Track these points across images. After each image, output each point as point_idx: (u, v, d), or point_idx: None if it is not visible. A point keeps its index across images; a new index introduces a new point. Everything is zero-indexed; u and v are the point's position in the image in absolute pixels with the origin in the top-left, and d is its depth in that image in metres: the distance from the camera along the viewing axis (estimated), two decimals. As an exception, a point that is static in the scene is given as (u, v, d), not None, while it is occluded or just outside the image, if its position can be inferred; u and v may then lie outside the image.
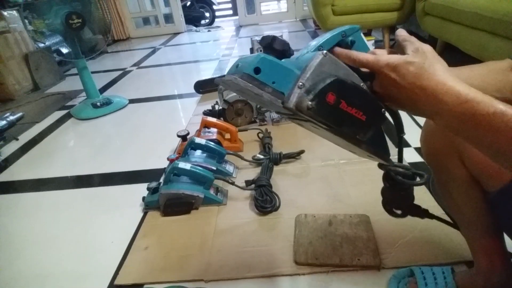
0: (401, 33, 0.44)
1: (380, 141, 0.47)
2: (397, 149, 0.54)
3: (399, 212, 0.60)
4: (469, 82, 0.49)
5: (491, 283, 0.63)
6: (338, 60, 0.41)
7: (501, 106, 0.34)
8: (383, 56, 0.41)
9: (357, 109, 0.41)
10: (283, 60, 0.43)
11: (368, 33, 2.66)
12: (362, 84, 0.42)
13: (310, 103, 0.38)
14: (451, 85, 0.37)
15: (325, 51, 0.40)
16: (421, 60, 0.39)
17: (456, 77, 0.38)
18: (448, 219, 0.72)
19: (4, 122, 1.71)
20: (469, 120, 0.36)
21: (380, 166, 0.52)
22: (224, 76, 0.43)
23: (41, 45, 1.98)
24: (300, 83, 0.39)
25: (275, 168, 1.24)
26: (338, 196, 1.06)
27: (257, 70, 0.38)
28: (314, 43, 0.46)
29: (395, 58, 0.40)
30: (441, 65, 0.39)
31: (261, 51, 1.69)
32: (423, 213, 0.64)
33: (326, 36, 0.46)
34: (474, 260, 0.67)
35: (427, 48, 0.40)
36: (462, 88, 0.36)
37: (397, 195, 0.55)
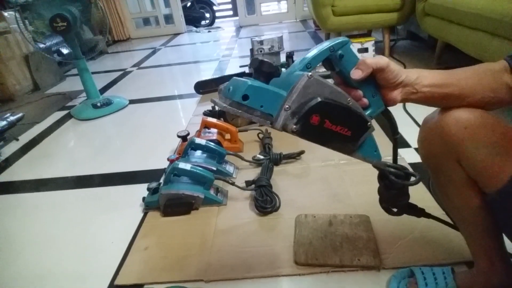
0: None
1: (370, 148, 0.50)
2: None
3: (395, 210, 0.61)
4: (465, 82, 0.50)
5: (491, 283, 0.63)
6: (323, 80, 0.43)
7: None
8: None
9: (341, 126, 0.45)
10: (273, 79, 0.46)
11: (368, 34, 2.67)
12: (349, 99, 0.45)
13: (294, 126, 0.42)
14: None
15: (309, 73, 0.42)
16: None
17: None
18: (446, 218, 0.72)
19: (4, 123, 1.71)
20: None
21: (375, 166, 0.54)
22: (216, 101, 0.46)
23: (41, 45, 1.98)
24: (286, 106, 0.42)
25: (275, 168, 1.24)
26: (338, 196, 1.06)
27: (245, 97, 0.41)
28: (303, 60, 0.47)
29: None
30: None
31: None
32: (419, 212, 0.66)
33: (314, 52, 0.47)
34: (474, 260, 0.67)
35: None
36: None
37: (391, 194, 0.58)
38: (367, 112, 0.50)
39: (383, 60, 0.48)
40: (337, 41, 0.47)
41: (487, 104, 0.51)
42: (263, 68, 0.45)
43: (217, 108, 1.61)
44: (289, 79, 0.44)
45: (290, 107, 0.42)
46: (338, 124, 0.44)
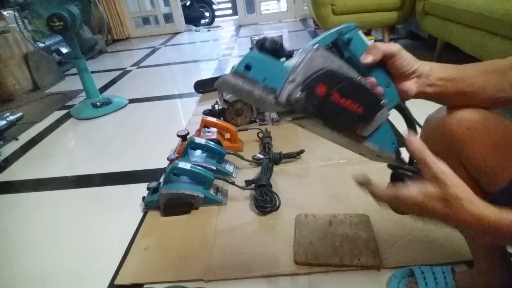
0: (414, 145, 0.44)
1: (386, 138, 0.45)
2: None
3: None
4: (473, 81, 0.49)
5: (491, 283, 0.63)
6: (330, 54, 0.41)
7: None
8: (408, 192, 0.42)
9: (352, 101, 0.40)
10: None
11: (368, 33, 2.66)
12: (359, 78, 0.41)
13: (298, 95, 0.38)
14: (480, 213, 0.39)
15: (316, 45, 0.40)
16: (443, 192, 0.40)
17: (481, 201, 0.40)
18: None
19: (4, 122, 1.71)
20: (505, 234, 0.39)
21: (391, 165, 0.51)
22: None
23: (41, 45, 1.97)
24: (291, 78, 0.39)
25: (275, 168, 1.24)
26: (338, 196, 1.06)
27: (247, 67, 0.38)
28: (310, 42, 0.45)
29: (418, 196, 0.41)
30: (464, 192, 0.41)
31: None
32: None
33: (322, 35, 0.46)
34: (474, 260, 0.67)
35: (444, 173, 0.41)
36: (489, 213, 0.39)
37: None
38: None
39: (394, 46, 0.46)
40: (345, 25, 0.45)
41: (494, 103, 0.50)
42: (266, 44, 0.42)
43: (217, 107, 1.61)
44: (294, 57, 0.42)
45: (295, 79, 0.38)
46: (348, 97, 0.40)
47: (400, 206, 0.44)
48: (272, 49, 0.43)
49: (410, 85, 0.48)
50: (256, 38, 1.79)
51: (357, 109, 0.41)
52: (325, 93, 0.39)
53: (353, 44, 0.46)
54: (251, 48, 1.86)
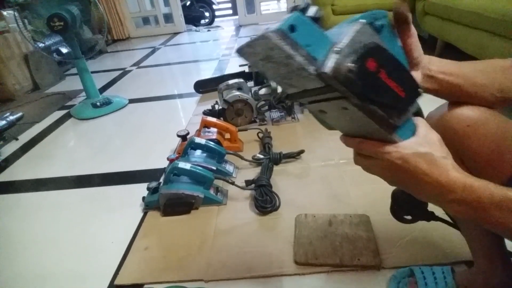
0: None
1: (408, 133, 0.43)
2: None
3: (409, 217, 0.57)
4: (473, 80, 0.48)
5: (491, 282, 0.63)
6: (376, 34, 0.38)
7: (509, 193, 0.37)
8: (394, 148, 0.41)
9: (396, 83, 0.37)
10: None
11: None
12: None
13: (351, 65, 0.34)
14: (461, 177, 0.40)
15: (364, 21, 0.37)
16: (431, 151, 0.40)
17: (462, 170, 0.40)
18: (448, 219, 0.72)
19: (4, 122, 1.71)
20: (477, 207, 0.39)
21: None
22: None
23: (41, 45, 1.97)
24: (338, 49, 0.34)
25: (275, 168, 1.24)
26: (338, 196, 1.06)
27: (292, 28, 0.33)
28: (347, 21, 0.42)
29: (406, 151, 0.40)
30: (449, 159, 0.41)
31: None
32: (430, 216, 0.61)
33: (358, 16, 0.41)
34: (474, 259, 0.67)
35: (434, 137, 0.42)
36: (471, 179, 0.39)
37: (415, 201, 0.50)
38: None
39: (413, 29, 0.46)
40: (377, 11, 0.43)
41: (494, 103, 0.50)
42: (309, 12, 0.36)
43: (217, 107, 1.61)
44: (336, 30, 0.39)
45: (342, 50, 0.34)
46: (393, 79, 0.37)
47: (380, 165, 0.43)
48: (316, 16, 0.36)
49: (416, 75, 0.48)
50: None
51: (400, 92, 0.38)
52: (375, 69, 0.36)
53: (384, 32, 0.43)
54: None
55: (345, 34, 0.35)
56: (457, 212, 0.41)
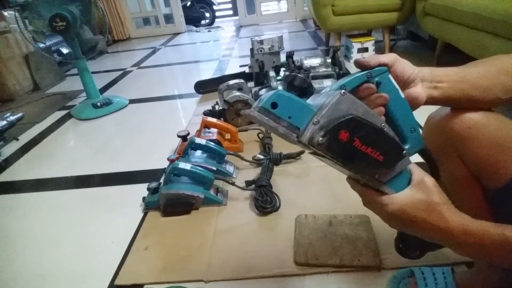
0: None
1: (403, 183, 0.45)
2: None
3: (417, 253, 0.57)
4: (478, 83, 0.48)
5: (490, 282, 0.63)
6: (357, 100, 0.41)
7: (507, 233, 0.38)
8: (390, 200, 0.43)
9: (372, 149, 0.41)
10: (304, 99, 0.43)
11: (368, 34, 2.67)
12: (383, 124, 0.42)
13: (320, 139, 0.39)
14: (459, 222, 0.41)
15: (343, 91, 0.41)
16: (426, 197, 0.42)
17: (459, 212, 0.42)
18: None
19: (4, 122, 1.71)
20: (479, 249, 0.40)
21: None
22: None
23: (41, 45, 1.98)
24: (315, 120, 0.40)
25: (275, 168, 1.24)
26: (338, 196, 1.06)
27: (274, 105, 0.40)
28: (338, 83, 0.46)
29: (402, 202, 0.42)
30: (445, 203, 0.42)
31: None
32: (437, 246, 0.57)
33: (351, 76, 0.46)
34: (474, 260, 0.67)
35: (429, 182, 0.43)
36: (468, 223, 0.41)
37: (425, 242, 0.49)
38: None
39: (389, 57, 0.47)
40: (376, 68, 0.46)
41: (498, 104, 0.50)
42: (295, 82, 0.45)
43: (217, 107, 1.61)
44: (321, 96, 0.43)
45: (319, 121, 0.40)
46: (368, 145, 0.41)
47: (382, 213, 0.45)
48: (300, 86, 0.44)
49: (419, 91, 0.49)
50: (257, 38, 1.79)
51: (377, 157, 0.42)
52: (347, 139, 0.40)
53: (382, 88, 0.46)
54: (251, 49, 1.86)
55: (325, 104, 0.40)
56: (464, 254, 0.42)
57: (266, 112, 0.40)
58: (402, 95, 0.48)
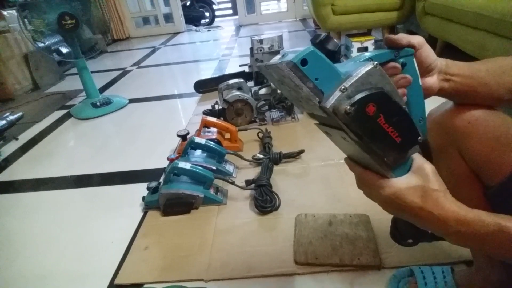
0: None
1: (405, 170, 0.45)
2: None
3: (410, 241, 0.57)
4: (485, 81, 0.49)
5: (490, 281, 0.63)
6: (386, 75, 0.40)
7: (501, 222, 0.38)
8: (388, 183, 0.43)
9: (393, 129, 0.40)
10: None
11: (368, 33, 2.66)
12: (404, 107, 0.41)
13: (348, 107, 0.37)
14: (454, 210, 0.40)
15: (376, 62, 0.39)
16: (423, 183, 0.41)
17: (456, 201, 0.41)
18: None
19: (4, 122, 1.71)
20: (473, 238, 0.40)
21: None
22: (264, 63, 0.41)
23: (41, 44, 1.97)
24: (343, 87, 0.37)
25: (275, 167, 1.24)
26: (338, 196, 1.06)
27: (303, 62, 0.36)
28: (365, 54, 0.45)
29: (399, 186, 0.42)
30: (442, 191, 0.42)
31: (267, 49, 1.67)
32: (433, 238, 0.61)
33: (378, 51, 0.45)
34: (473, 257, 0.67)
35: (428, 169, 0.43)
36: (463, 212, 0.40)
37: (417, 228, 0.50)
38: None
39: (418, 39, 0.47)
40: (404, 49, 0.46)
41: (502, 103, 0.50)
42: (328, 45, 0.40)
43: (217, 106, 1.61)
44: (348, 66, 0.41)
45: (347, 89, 0.37)
46: (391, 125, 0.39)
47: (377, 196, 0.45)
48: (333, 50, 0.42)
49: (433, 82, 0.49)
50: (257, 38, 1.79)
51: (396, 138, 0.40)
52: (373, 113, 0.38)
53: (405, 70, 0.45)
54: (251, 48, 1.86)
55: (355, 73, 0.38)
56: (458, 243, 0.42)
57: (294, 67, 0.36)
58: (420, 82, 0.47)
